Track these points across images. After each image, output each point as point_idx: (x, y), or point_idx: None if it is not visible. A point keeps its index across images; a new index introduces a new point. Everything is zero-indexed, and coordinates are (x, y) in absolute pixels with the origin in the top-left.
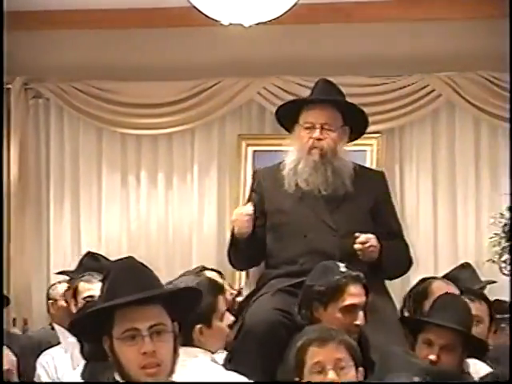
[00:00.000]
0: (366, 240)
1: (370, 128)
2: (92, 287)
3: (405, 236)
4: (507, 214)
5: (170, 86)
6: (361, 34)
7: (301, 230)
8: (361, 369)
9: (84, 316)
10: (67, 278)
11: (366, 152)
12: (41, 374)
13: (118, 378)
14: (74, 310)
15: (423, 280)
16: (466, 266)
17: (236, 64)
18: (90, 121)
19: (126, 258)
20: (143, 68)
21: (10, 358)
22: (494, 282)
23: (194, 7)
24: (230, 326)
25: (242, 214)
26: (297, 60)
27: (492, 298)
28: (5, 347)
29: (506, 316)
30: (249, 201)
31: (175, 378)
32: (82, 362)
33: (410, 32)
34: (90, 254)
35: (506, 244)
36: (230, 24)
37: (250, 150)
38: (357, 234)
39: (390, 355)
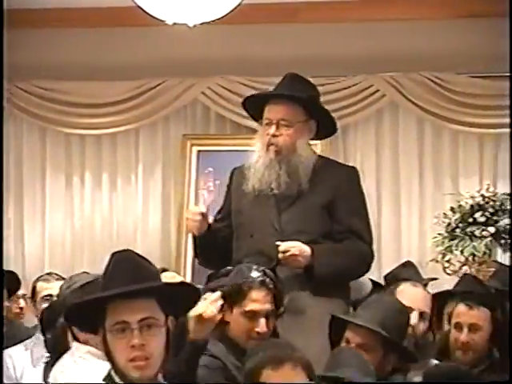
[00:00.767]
0: (287, 249)
1: None
2: (49, 286)
3: (365, 236)
4: (450, 214)
5: (114, 86)
6: (306, 34)
7: (249, 230)
8: None
9: (75, 307)
10: None
11: None
12: None
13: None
14: (32, 309)
15: (391, 282)
16: (407, 264)
17: (180, 64)
18: (33, 120)
19: (124, 250)
20: (87, 67)
21: None
22: (436, 278)
23: (139, 7)
24: None
25: (193, 212)
26: (241, 60)
27: None
28: None
29: None
30: (225, 200)
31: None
32: (44, 359)
33: (353, 33)
34: None
35: (449, 244)
36: (175, 24)
37: (195, 149)
38: (278, 243)
39: (341, 350)
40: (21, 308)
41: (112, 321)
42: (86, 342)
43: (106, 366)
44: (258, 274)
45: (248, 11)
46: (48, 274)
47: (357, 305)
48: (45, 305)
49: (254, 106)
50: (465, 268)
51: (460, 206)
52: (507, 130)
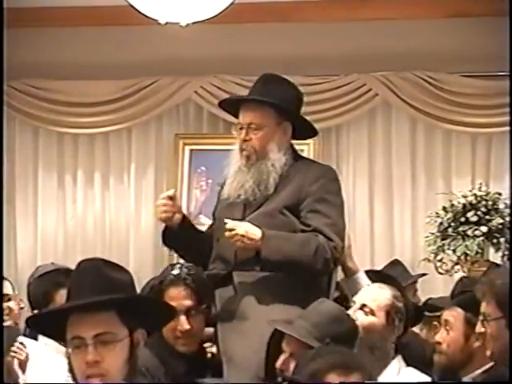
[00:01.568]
0: (232, 228)
1: None
2: None
3: (329, 233)
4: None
5: (107, 85)
6: (298, 33)
7: (217, 236)
8: None
9: (37, 317)
10: None
11: (304, 152)
12: None
13: None
14: None
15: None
16: (395, 262)
17: (173, 63)
18: (25, 120)
19: (90, 259)
20: (80, 66)
21: None
22: (425, 274)
23: (131, 6)
24: None
25: (161, 197)
26: (234, 59)
27: (426, 296)
28: None
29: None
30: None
31: None
32: None
33: (346, 32)
34: None
35: (441, 243)
36: (167, 23)
37: (188, 149)
38: (226, 221)
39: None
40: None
41: (70, 335)
42: None
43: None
44: (177, 271)
45: (240, 10)
46: None
47: None
48: None
49: (233, 110)
50: (457, 267)
51: (452, 205)
52: (500, 130)
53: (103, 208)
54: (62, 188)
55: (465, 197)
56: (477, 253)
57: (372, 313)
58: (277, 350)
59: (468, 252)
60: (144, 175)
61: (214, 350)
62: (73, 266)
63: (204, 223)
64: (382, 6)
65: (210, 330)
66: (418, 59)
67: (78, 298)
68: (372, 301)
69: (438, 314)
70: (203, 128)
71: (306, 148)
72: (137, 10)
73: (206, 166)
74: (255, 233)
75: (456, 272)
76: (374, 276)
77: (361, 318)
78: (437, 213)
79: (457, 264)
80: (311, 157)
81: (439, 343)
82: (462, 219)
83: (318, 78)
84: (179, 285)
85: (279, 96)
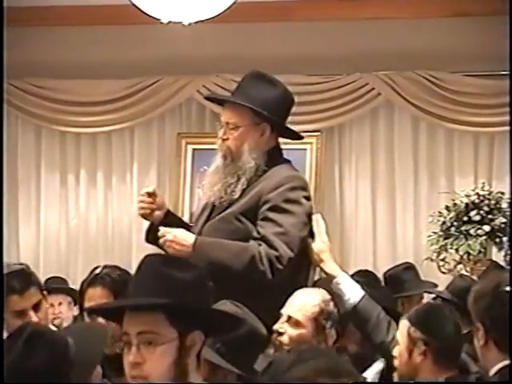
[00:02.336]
0: (163, 234)
1: (310, 127)
2: None
3: (275, 244)
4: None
5: (110, 84)
6: (301, 32)
7: None
8: None
9: (98, 311)
10: None
11: (306, 151)
12: None
13: None
14: None
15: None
16: (409, 267)
17: (176, 62)
18: (28, 119)
19: (156, 254)
20: (83, 65)
21: None
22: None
23: (134, 5)
24: None
25: (141, 194)
26: (236, 58)
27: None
28: None
29: None
30: None
31: None
32: None
33: (348, 31)
34: None
35: (444, 242)
36: (170, 22)
37: (190, 148)
38: (160, 228)
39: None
40: None
41: (122, 331)
42: None
43: None
44: (97, 271)
45: (243, 10)
46: None
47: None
48: None
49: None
50: (460, 266)
51: (455, 204)
52: (502, 129)
53: (106, 207)
54: (65, 187)
55: (468, 196)
56: (479, 252)
57: (298, 324)
58: None
59: (471, 251)
60: (146, 174)
61: None
62: (75, 266)
63: None
64: (384, 6)
65: None
66: (421, 59)
67: (133, 295)
68: (297, 311)
69: None
70: (205, 127)
71: (309, 147)
72: (139, 9)
73: (208, 165)
74: (186, 239)
75: (459, 271)
76: (361, 277)
77: (288, 331)
78: (439, 212)
79: (459, 263)
80: (314, 156)
81: (395, 357)
82: (465, 218)
83: (321, 77)
84: (96, 285)
85: (260, 96)
